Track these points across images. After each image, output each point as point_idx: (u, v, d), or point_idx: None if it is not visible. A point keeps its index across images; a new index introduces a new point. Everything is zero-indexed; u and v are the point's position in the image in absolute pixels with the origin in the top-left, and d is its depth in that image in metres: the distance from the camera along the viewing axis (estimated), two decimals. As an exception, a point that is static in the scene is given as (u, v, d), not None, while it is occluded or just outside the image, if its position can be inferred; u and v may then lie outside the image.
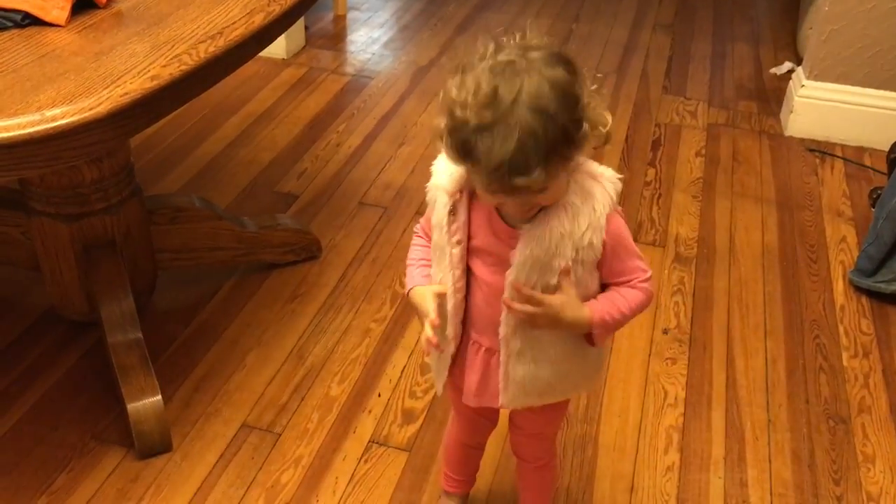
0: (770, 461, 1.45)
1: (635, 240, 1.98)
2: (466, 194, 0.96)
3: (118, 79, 1.04)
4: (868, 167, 2.30)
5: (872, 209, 2.08)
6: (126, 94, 1.03)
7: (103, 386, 1.52)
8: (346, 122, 2.43)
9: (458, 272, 0.99)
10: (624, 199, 2.26)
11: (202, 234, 1.71)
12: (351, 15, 3.18)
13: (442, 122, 0.86)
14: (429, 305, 0.98)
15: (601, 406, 1.55)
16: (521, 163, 0.81)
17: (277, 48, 2.76)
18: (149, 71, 1.06)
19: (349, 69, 2.77)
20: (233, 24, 1.19)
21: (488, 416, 1.21)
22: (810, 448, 1.48)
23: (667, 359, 1.66)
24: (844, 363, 1.66)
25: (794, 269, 1.92)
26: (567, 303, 0.95)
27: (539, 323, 0.96)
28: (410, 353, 1.64)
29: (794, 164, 2.32)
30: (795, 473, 1.43)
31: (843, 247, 2.00)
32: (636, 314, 1.00)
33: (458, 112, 0.83)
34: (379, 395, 1.55)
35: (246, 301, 1.76)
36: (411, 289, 1.03)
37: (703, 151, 2.37)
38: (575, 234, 0.93)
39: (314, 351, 1.64)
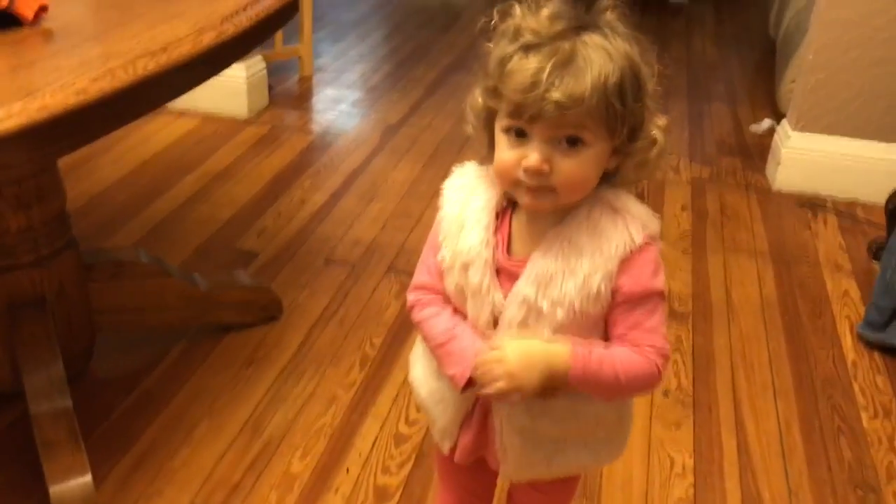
0: (796, 537, 1.27)
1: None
2: (501, 211, 0.85)
3: (35, 91, 0.88)
4: (862, 220, 2.19)
5: (874, 262, 1.96)
6: (43, 108, 0.87)
7: (25, 465, 1.30)
8: (312, 179, 2.28)
9: (499, 295, 0.83)
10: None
11: (147, 293, 1.53)
12: (317, 76, 3.07)
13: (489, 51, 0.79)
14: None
15: (601, 478, 1.36)
16: (573, 74, 0.73)
17: (239, 107, 2.63)
18: (74, 84, 0.90)
19: (315, 127, 2.64)
20: (178, 41, 1.05)
21: (481, 495, 1.03)
22: (838, 521, 1.31)
23: (670, 423, 1.48)
24: (865, 424, 1.50)
25: (797, 324, 1.78)
26: (523, 343, 0.80)
27: (512, 387, 0.79)
28: (383, 423, 1.45)
29: (785, 217, 2.21)
30: (826, 551, 1.25)
31: (846, 300, 1.86)
32: (631, 386, 0.82)
33: (518, 27, 0.76)
34: (347, 471, 1.35)
35: (196, 367, 1.56)
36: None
37: (690, 206, 2.25)
38: (576, 277, 0.79)
39: (272, 422, 1.44)
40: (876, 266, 1.92)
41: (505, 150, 0.78)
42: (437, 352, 0.87)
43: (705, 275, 1.94)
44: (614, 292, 0.79)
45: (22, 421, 1.40)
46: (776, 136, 2.42)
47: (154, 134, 2.50)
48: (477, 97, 0.81)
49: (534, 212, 0.82)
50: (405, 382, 1.53)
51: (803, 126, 2.28)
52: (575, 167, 0.76)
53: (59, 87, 0.90)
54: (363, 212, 2.13)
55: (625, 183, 0.83)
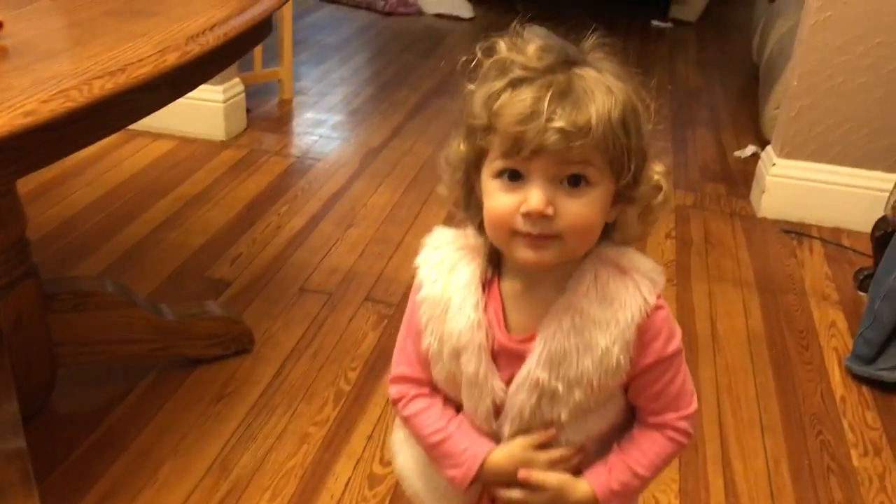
0: (786, 584, 1.22)
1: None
2: (487, 283, 0.77)
3: (-20, 114, 0.83)
4: (848, 248, 2.16)
5: (860, 292, 1.93)
6: (-11, 131, 0.81)
7: (-24, 509, 1.23)
8: (289, 204, 2.23)
9: (499, 383, 0.76)
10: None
11: (112, 324, 1.46)
12: (297, 99, 3.03)
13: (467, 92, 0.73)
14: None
15: (583, 520, 1.30)
16: (574, 103, 0.67)
17: (216, 129, 2.57)
18: (23, 106, 0.85)
19: (294, 151, 2.59)
20: (140, 61, 0.99)
21: None
22: (831, 566, 1.25)
23: (655, 461, 1.43)
24: (854, 463, 1.46)
25: (784, 357, 1.73)
26: (567, 483, 0.78)
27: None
28: (357, 462, 1.39)
29: (770, 245, 2.18)
30: None
31: (833, 332, 1.82)
32: (661, 470, 0.80)
33: (505, 62, 0.71)
34: (318, 513, 1.29)
35: (163, 403, 1.50)
36: (486, 458, 0.78)
37: (674, 233, 2.21)
38: (594, 352, 0.73)
39: (241, 461, 1.38)
40: (862, 296, 1.89)
41: (499, 197, 0.70)
42: (432, 452, 0.81)
43: (690, 305, 1.89)
44: (633, 361, 0.74)
45: (-25, 460, 1.32)
46: (760, 163, 2.39)
47: (129, 157, 2.44)
48: (457, 146, 0.74)
49: (533, 271, 0.74)
50: (381, 419, 1.47)
51: (788, 153, 2.25)
52: (582, 209, 0.69)
53: (7, 108, 0.84)
54: (341, 238, 2.07)
55: (626, 238, 0.76)
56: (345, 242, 2.05)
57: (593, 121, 0.67)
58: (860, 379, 1.66)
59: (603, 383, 0.74)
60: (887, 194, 1.97)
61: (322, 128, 2.78)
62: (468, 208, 0.77)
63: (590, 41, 0.74)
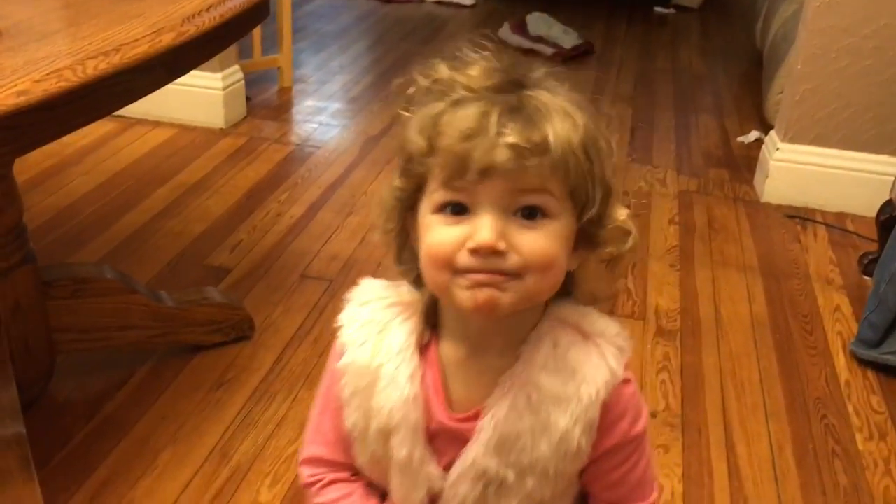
0: (791, 568, 1.21)
1: (612, 312, 1.78)
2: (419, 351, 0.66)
3: (-29, 93, 0.82)
4: (852, 233, 2.14)
5: (864, 276, 1.91)
6: (-20, 111, 0.80)
7: (-25, 497, 1.23)
8: (289, 192, 2.21)
9: (436, 470, 0.66)
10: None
11: (111, 311, 1.45)
12: (297, 87, 3.01)
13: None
14: None
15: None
16: (527, 120, 0.58)
17: (215, 117, 2.56)
18: (15, 85, 0.84)
19: (293, 139, 2.57)
20: (134, 41, 0.98)
21: None
22: (836, 550, 1.24)
23: (658, 446, 1.42)
24: (860, 447, 1.45)
25: (788, 342, 1.72)
26: None
27: None
28: (358, 447, 1.37)
29: (774, 231, 2.16)
30: (823, 582, 1.19)
31: (838, 316, 1.81)
32: None
33: (445, 82, 0.62)
34: (319, 500, 1.28)
35: (162, 390, 1.49)
36: None
37: (677, 219, 2.19)
38: (551, 435, 0.62)
39: (241, 448, 1.37)
40: (867, 281, 1.87)
41: (440, 231, 0.59)
42: None
43: (693, 290, 1.88)
44: (594, 443, 0.64)
45: (-26, 448, 1.32)
46: (764, 148, 2.38)
47: (127, 145, 2.42)
48: (391, 183, 0.64)
49: (482, 322, 0.63)
50: (382, 404, 1.46)
51: (791, 137, 2.23)
52: (540, 240, 0.58)
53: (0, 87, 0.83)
54: (341, 225, 2.06)
55: (590, 296, 0.67)
56: (345, 230, 2.03)
57: (550, 138, 0.57)
58: (865, 363, 1.64)
59: (561, 470, 0.64)
60: (892, 178, 1.96)
61: (322, 115, 2.76)
62: (402, 260, 0.67)
63: (541, 70, 0.64)
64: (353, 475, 0.72)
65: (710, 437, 1.45)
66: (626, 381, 0.65)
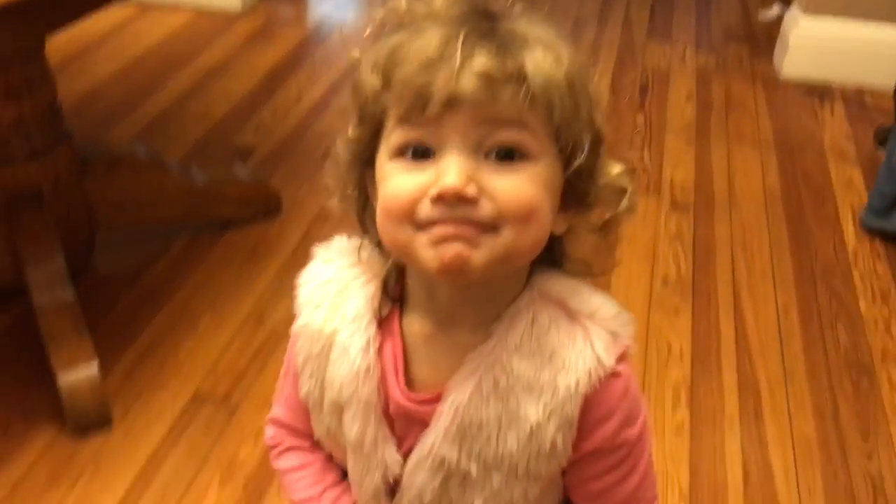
0: (790, 417, 1.30)
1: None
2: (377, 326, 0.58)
3: (14, -32, 0.85)
4: (870, 107, 2.15)
5: (878, 149, 1.94)
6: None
7: (32, 358, 1.32)
8: (308, 73, 2.23)
9: (393, 453, 0.58)
10: (614, 144, 2.09)
11: (146, 187, 1.52)
12: (312, -32, 2.97)
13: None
14: None
15: (599, 363, 1.38)
16: (499, 46, 0.49)
17: (231, 1, 2.55)
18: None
19: (310, 20, 2.57)
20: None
21: None
22: (833, 402, 1.33)
23: (669, 311, 1.49)
24: (862, 310, 1.51)
25: (799, 213, 1.77)
26: None
27: None
28: (384, 313, 1.46)
29: (791, 106, 2.17)
30: (819, 430, 1.28)
31: (850, 188, 1.84)
32: None
33: (402, 11, 0.53)
34: (350, 359, 1.37)
35: (198, 262, 1.57)
36: None
37: (694, 96, 2.20)
38: (521, 426, 0.53)
39: (275, 314, 1.45)
40: (881, 153, 1.90)
41: (398, 178, 0.50)
42: None
43: (708, 165, 1.91)
44: (575, 444, 0.55)
45: (26, 316, 1.41)
46: (785, 22, 2.35)
47: (146, 30, 2.43)
48: (346, 135, 0.56)
49: (445, 302, 0.54)
50: (406, 273, 1.54)
51: (814, 9, 2.21)
52: (519, 184, 0.49)
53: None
54: (361, 106, 2.09)
55: (581, 266, 0.57)
56: (365, 109, 2.07)
57: (528, 67, 0.48)
58: (873, 232, 1.69)
59: (534, 469, 0.54)
60: (912, 50, 1.95)
61: (338, -4, 2.75)
62: (366, 226, 0.58)
63: (518, 5, 0.54)
64: (312, 445, 0.65)
65: (719, 302, 1.52)
66: (615, 375, 0.54)
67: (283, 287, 1.51)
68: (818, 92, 2.21)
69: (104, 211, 1.49)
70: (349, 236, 0.61)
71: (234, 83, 2.17)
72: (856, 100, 2.19)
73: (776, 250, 1.66)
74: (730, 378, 1.36)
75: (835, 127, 2.08)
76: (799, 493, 1.18)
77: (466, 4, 0.52)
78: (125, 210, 1.52)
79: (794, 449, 1.24)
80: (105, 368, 1.27)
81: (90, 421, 1.21)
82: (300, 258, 1.60)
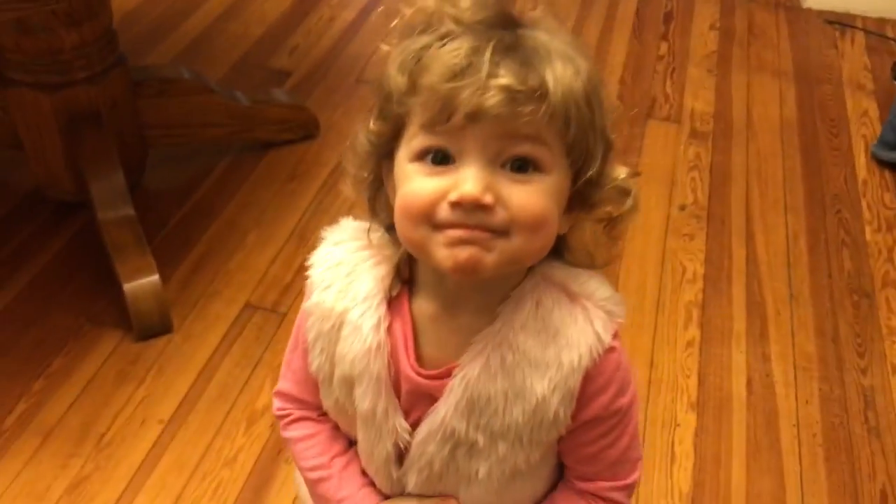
0: (793, 335, 1.41)
1: (649, 115, 1.89)
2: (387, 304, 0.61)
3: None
4: (890, 39, 2.18)
5: (894, 82, 1.99)
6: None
7: (95, 268, 1.44)
8: (340, -4, 2.28)
9: (403, 423, 0.62)
10: (636, 73, 2.17)
11: (193, 109, 1.60)
12: None
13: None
14: None
15: (617, 283, 1.48)
16: (522, 60, 0.52)
17: (262, -82, 2.56)
18: None
19: (340, -59, 2.59)
20: None
21: None
22: (834, 322, 1.43)
23: (684, 235, 1.59)
24: (867, 237, 1.60)
25: (814, 143, 1.84)
26: None
27: None
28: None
29: (812, 37, 2.21)
30: (819, 347, 1.39)
31: (864, 120, 1.91)
32: None
33: (432, 15, 0.55)
34: (386, 275, 1.48)
35: (242, 181, 1.67)
36: None
37: (718, 25, 2.24)
38: (527, 400, 0.58)
39: (317, 231, 1.53)
40: (897, 86, 1.96)
41: (418, 181, 0.54)
42: (310, 488, 0.70)
43: (728, 94, 1.97)
44: (574, 414, 0.60)
45: (86, 230, 1.52)
46: (811, -49, 2.36)
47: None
48: (367, 126, 0.59)
49: (462, 281, 0.57)
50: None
51: (840, -61, 2.22)
52: (532, 196, 0.53)
53: None
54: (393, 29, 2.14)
55: (584, 260, 0.61)
56: (396, 34, 2.12)
57: (550, 83, 0.51)
58: (883, 164, 1.77)
59: (536, 438, 0.59)
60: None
61: (366, -85, 2.75)
62: (376, 211, 0.62)
63: (539, 7, 0.59)
64: (321, 415, 0.69)
65: (731, 227, 1.62)
66: (611, 350, 0.59)
67: (323, 206, 1.62)
68: (840, 22, 2.25)
69: (154, 131, 1.58)
70: (354, 217, 0.65)
71: (268, 5, 2.22)
72: (877, 31, 2.22)
73: (789, 179, 1.74)
74: (739, 298, 1.47)
75: (854, 58, 2.13)
76: (797, 402, 1.30)
77: (491, 9, 0.55)
78: (174, 130, 1.61)
79: (794, 364, 1.36)
80: (163, 279, 1.38)
81: (153, 326, 1.33)
82: (337, 180, 1.71)
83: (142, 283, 1.32)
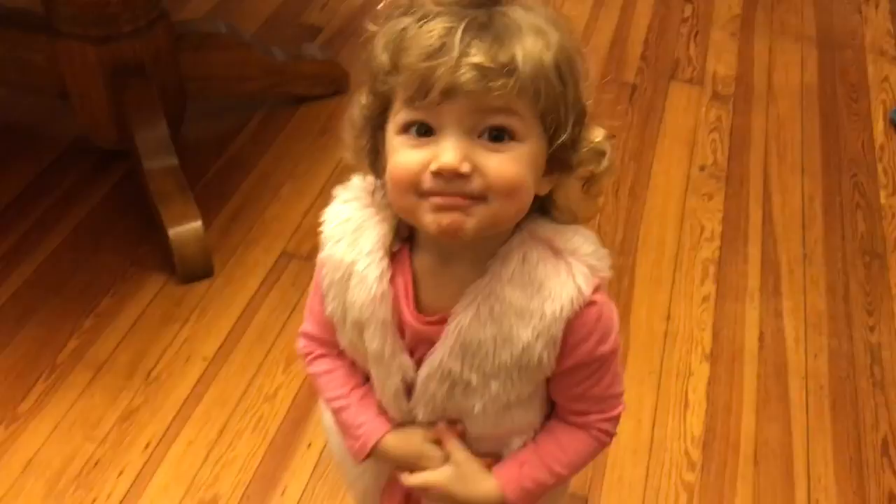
0: (805, 293, 1.47)
1: (672, 77, 1.93)
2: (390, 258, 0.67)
3: None
4: (914, 5, 2.20)
5: (917, 48, 2.02)
6: None
7: (139, 214, 1.51)
8: (369, -48, 2.31)
9: (408, 361, 0.69)
10: (660, 35, 2.20)
11: (230, 63, 1.66)
12: None
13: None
14: (433, 453, 0.72)
15: (637, 238, 1.55)
16: (494, 38, 0.56)
17: None
18: None
19: None
20: None
21: None
22: (845, 281, 1.49)
23: (703, 194, 1.64)
24: (882, 201, 1.65)
25: (833, 108, 1.88)
26: (457, 477, 0.71)
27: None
28: (445, 187, 1.62)
29: (836, 2, 2.23)
30: (829, 305, 1.45)
31: (885, 86, 1.94)
32: (577, 470, 0.74)
33: None
34: (415, 227, 1.54)
35: (276, 134, 1.73)
36: (378, 440, 0.73)
37: (743, -12, 2.26)
38: (513, 345, 0.64)
39: (349, 183, 1.62)
40: (919, 53, 1.98)
41: (403, 154, 0.59)
42: (335, 416, 0.77)
43: (750, 58, 2.01)
44: (558, 360, 0.66)
45: (129, 177, 1.59)
46: (839, -85, 2.36)
47: None
48: (360, 100, 0.65)
49: (447, 244, 0.63)
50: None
51: None
52: (506, 164, 0.58)
53: None
54: (420, -13, 2.17)
55: (568, 217, 0.66)
56: (425, -9, 2.15)
57: (518, 59, 0.56)
58: (901, 130, 1.81)
59: (524, 377, 0.66)
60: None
61: None
62: (378, 174, 0.66)
63: None
64: (339, 353, 0.75)
65: (749, 188, 1.67)
66: (591, 303, 0.64)
67: (354, 160, 1.67)
68: (865, -13, 2.27)
69: (195, 83, 1.63)
70: (364, 176, 0.70)
71: (298, -40, 2.25)
72: (901, -3, 2.24)
73: (807, 143, 1.78)
74: (754, 257, 1.53)
75: (878, 24, 2.15)
76: (806, 356, 1.36)
77: None
78: (212, 84, 1.67)
79: (805, 320, 1.42)
80: (203, 226, 1.45)
81: (196, 270, 1.41)
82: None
83: (186, 229, 1.39)
